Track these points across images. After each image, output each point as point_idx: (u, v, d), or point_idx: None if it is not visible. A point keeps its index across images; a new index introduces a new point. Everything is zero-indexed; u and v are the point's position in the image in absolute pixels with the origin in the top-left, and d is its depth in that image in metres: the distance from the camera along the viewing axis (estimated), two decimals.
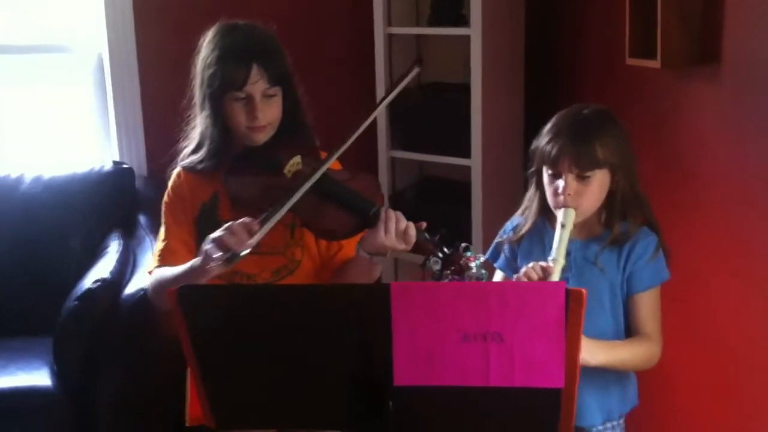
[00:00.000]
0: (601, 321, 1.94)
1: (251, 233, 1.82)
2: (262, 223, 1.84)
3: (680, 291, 2.48)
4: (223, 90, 1.96)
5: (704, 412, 2.60)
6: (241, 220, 1.84)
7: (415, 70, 2.09)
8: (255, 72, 1.94)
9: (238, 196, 1.98)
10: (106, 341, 2.88)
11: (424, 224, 1.92)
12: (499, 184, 3.33)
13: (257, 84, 1.95)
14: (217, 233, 1.83)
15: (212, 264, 1.81)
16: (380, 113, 3.44)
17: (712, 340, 2.52)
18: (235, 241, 1.81)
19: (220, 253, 1.80)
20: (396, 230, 1.88)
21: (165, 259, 2.04)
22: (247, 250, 1.82)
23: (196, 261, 1.87)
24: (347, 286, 1.88)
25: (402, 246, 1.90)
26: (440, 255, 1.86)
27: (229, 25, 2.02)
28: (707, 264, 2.51)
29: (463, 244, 1.85)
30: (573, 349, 1.39)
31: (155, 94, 3.57)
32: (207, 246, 1.83)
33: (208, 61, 1.98)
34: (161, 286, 2.00)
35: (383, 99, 2.13)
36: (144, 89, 3.58)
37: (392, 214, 1.89)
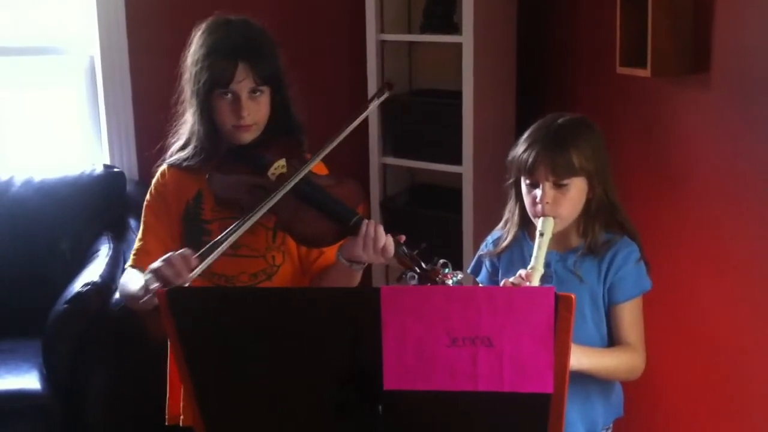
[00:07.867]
0: (583, 332, 1.92)
1: (190, 267, 1.77)
2: (203, 257, 1.80)
3: (669, 297, 2.49)
4: (209, 87, 1.94)
5: (693, 421, 2.61)
6: (181, 251, 1.80)
7: (385, 95, 2.08)
8: (241, 70, 1.92)
9: (221, 195, 1.96)
10: (95, 344, 2.88)
11: (402, 237, 1.89)
12: (491, 192, 3.33)
13: (243, 82, 1.92)
14: (156, 264, 1.79)
15: (146, 297, 1.77)
16: (372, 120, 3.45)
17: (701, 348, 2.53)
18: (172, 273, 1.76)
19: (157, 284, 1.75)
20: (374, 247, 1.86)
21: (140, 258, 2.03)
22: (188, 283, 1.76)
23: (139, 289, 1.85)
24: (339, 289, 1.87)
25: (380, 260, 1.89)
26: (417, 270, 1.84)
27: (220, 21, 2.00)
28: (697, 270, 2.52)
29: (442, 261, 1.82)
30: (562, 354, 1.39)
31: (147, 97, 3.56)
32: (146, 276, 1.79)
33: (197, 57, 1.96)
34: (124, 293, 2.01)
35: (353, 118, 2.08)
36: (135, 92, 3.57)
37: (372, 229, 1.86)
